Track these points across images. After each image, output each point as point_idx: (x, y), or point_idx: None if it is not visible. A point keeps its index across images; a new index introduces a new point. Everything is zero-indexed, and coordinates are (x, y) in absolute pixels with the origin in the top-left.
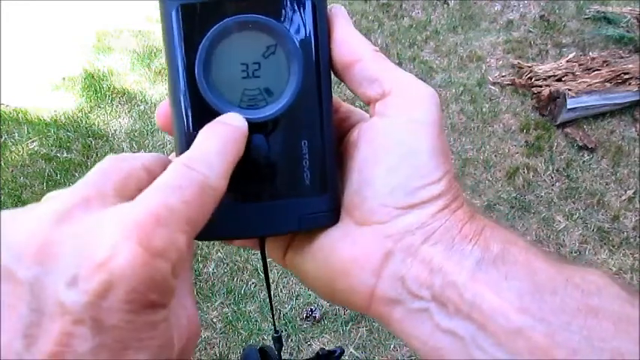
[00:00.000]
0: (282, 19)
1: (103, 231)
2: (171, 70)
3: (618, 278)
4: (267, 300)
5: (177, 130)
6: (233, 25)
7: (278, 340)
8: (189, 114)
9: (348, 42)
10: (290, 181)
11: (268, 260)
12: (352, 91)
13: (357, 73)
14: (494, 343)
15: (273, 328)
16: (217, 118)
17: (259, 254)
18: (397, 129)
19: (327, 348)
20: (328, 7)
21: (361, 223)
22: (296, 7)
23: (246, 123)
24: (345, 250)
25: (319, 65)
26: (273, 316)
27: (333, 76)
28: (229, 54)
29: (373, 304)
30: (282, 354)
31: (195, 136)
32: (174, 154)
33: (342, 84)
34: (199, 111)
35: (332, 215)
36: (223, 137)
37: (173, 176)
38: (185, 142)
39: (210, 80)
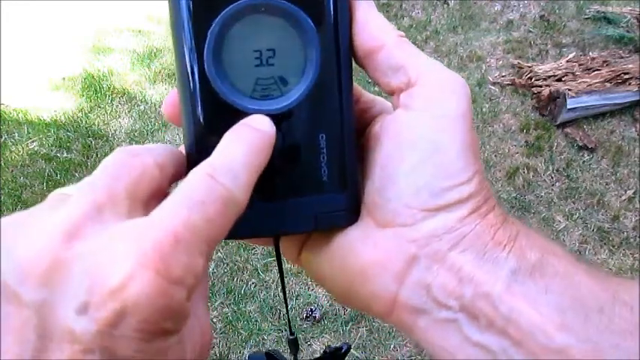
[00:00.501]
0: (299, 1)
1: (117, 251)
2: (179, 58)
3: None
4: (267, 300)
5: (185, 123)
6: (245, 8)
7: (294, 343)
8: (199, 105)
9: (371, 26)
10: (306, 178)
11: (272, 259)
12: (374, 80)
13: (380, 60)
14: None
15: (283, 329)
16: (244, 120)
17: (260, 254)
18: (423, 123)
19: (333, 345)
20: None
21: (383, 224)
22: None
23: (274, 127)
24: (365, 253)
25: (339, 52)
26: (288, 318)
27: (353, 63)
28: (241, 40)
29: (395, 312)
30: (287, 355)
31: (204, 130)
32: (183, 146)
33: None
34: (209, 102)
35: (351, 214)
36: (250, 144)
37: (196, 189)
38: (194, 135)
39: (220, 68)
